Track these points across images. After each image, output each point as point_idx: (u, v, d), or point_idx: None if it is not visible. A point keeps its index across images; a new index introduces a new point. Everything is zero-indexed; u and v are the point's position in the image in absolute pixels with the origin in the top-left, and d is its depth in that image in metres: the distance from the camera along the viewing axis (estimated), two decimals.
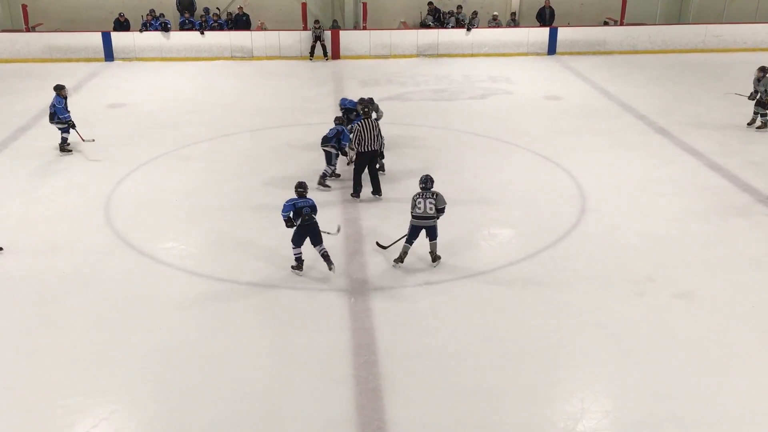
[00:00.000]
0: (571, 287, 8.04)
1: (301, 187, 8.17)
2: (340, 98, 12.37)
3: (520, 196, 10.58)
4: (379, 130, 10.10)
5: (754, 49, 20.98)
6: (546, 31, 20.92)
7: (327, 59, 20.32)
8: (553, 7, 21.45)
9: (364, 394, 6.29)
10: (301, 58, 20.47)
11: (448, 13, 21.45)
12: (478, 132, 13.46)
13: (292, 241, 8.23)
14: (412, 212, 8.26)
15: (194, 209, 10.22)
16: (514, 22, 21.71)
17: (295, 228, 8.11)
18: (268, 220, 9.62)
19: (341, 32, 20.72)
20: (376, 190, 10.31)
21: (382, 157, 11.02)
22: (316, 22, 20.35)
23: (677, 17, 23.62)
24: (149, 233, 9.44)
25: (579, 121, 14.38)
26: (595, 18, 22.78)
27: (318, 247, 8.23)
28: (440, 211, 8.26)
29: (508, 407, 6.14)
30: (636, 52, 21.05)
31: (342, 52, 20.59)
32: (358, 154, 10.09)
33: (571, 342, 7.03)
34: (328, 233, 8.34)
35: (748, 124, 13.77)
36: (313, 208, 8.10)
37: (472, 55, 20.72)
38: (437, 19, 21.43)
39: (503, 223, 9.75)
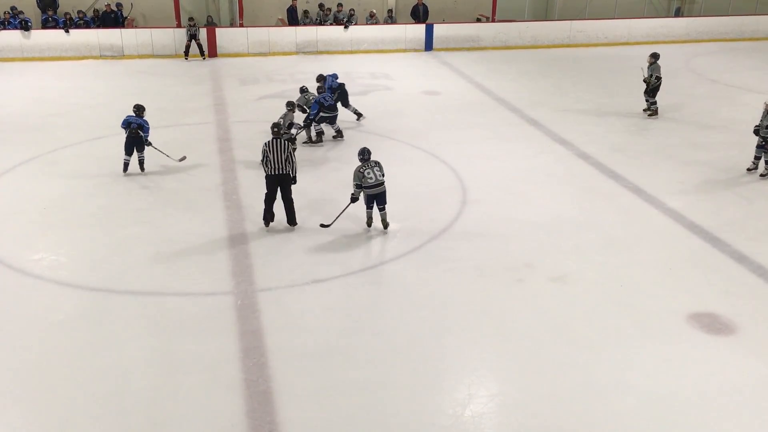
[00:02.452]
0: (455, 277, 8.27)
1: (137, 108, 10.57)
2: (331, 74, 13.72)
3: (403, 190, 10.74)
4: (290, 153, 9.04)
5: (614, 44, 22.34)
6: (422, 27, 21.34)
7: (204, 58, 19.78)
8: (426, 4, 21.92)
9: (255, 398, 6.20)
10: (176, 56, 19.81)
11: (327, 10, 21.45)
12: (360, 128, 13.55)
13: (124, 148, 10.56)
14: (362, 183, 8.93)
15: (65, 217, 9.68)
16: (391, 19, 22.01)
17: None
18: (146, 225, 9.28)
19: (217, 30, 20.23)
20: (291, 220, 9.30)
21: (294, 182, 9.30)
22: (191, 19, 19.73)
23: (544, 14, 24.76)
24: (16, 244, 8.87)
25: (457, 115, 14.78)
26: (468, 15, 23.46)
27: (139, 153, 10.68)
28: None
29: (399, 399, 6.24)
30: (507, 47, 21.86)
31: (219, 51, 20.10)
32: (266, 176, 9.12)
33: (456, 330, 7.23)
34: (167, 155, 10.76)
35: (644, 110, 14.64)
36: (141, 126, 10.42)
37: (351, 52, 20.82)
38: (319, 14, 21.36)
39: (387, 218, 9.85)
